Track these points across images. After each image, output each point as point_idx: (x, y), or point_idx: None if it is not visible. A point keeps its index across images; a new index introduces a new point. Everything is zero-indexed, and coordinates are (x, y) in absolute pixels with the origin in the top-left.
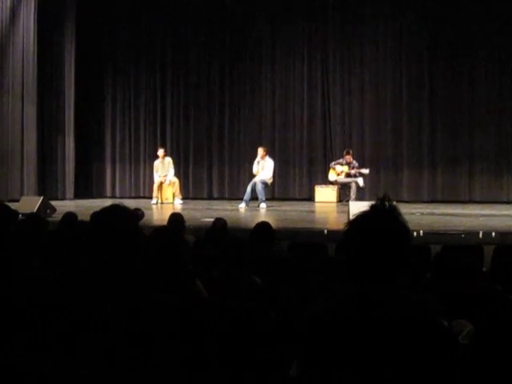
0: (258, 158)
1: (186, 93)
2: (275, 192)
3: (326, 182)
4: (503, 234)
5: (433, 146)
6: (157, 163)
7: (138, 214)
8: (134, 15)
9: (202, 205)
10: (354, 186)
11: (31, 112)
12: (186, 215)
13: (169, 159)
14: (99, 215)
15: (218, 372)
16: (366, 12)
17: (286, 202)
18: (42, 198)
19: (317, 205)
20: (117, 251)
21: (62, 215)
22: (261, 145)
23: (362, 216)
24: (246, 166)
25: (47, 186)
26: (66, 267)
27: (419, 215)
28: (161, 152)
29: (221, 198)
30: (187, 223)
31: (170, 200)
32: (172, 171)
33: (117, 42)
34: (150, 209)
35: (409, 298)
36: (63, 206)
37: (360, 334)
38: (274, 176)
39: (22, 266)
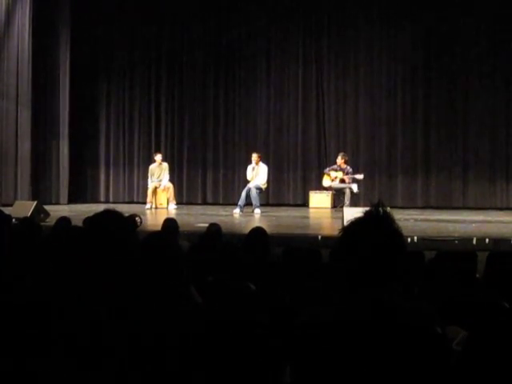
0: (253, 164)
1: (181, 97)
2: (269, 197)
3: (320, 187)
4: (497, 241)
5: (427, 152)
6: (153, 167)
7: (135, 220)
8: (129, 19)
9: (196, 210)
10: (348, 191)
11: (25, 116)
12: (180, 220)
13: (166, 165)
14: (92, 220)
15: (212, 379)
16: (361, 17)
17: (281, 208)
18: (35, 202)
19: (311, 210)
20: (110, 256)
21: (55, 220)
22: (255, 150)
23: (356, 222)
24: (240, 171)
25: (41, 190)
26: (59, 272)
27: (413, 221)
28: (159, 157)
29: (215, 203)
30: (181, 228)
31: (165, 205)
32: (167, 177)
33: (111, 45)
34: (144, 214)
35: (403, 305)
36: (57, 210)
37: (354, 341)
38: (268, 181)
39: (15, 270)
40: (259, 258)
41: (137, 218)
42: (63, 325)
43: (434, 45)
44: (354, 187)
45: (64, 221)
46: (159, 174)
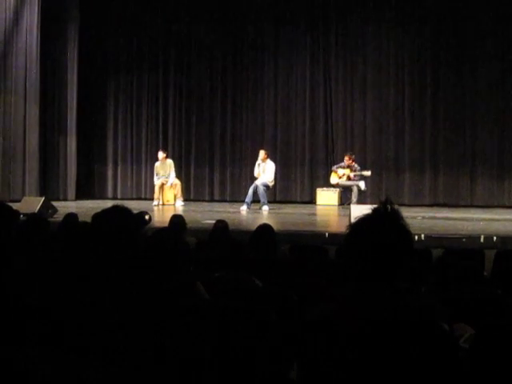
0: (259, 161)
1: (188, 95)
2: (277, 194)
3: (327, 184)
4: (504, 239)
5: (435, 149)
6: (157, 165)
7: (144, 217)
8: (137, 17)
9: (203, 207)
10: (355, 189)
11: (34, 112)
12: (187, 217)
13: (170, 161)
14: (100, 216)
15: (219, 374)
16: (368, 15)
17: (288, 205)
18: (43, 198)
19: (318, 208)
20: (117, 252)
21: (63, 216)
22: (262, 147)
23: (363, 219)
24: (247, 168)
25: (49, 186)
26: (66, 268)
27: (421, 219)
28: (161, 155)
29: (222, 200)
30: (188, 225)
31: (172, 202)
32: (173, 173)
33: (119, 43)
34: (151, 210)
35: (410, 302)
36: (64, 206)
37: (360, 337)
38: (275, 178)
39: (22, 266)
40: (266, 254)
41: (146, 216)
42: (69, 320)
43: (442, 42)
44: (362, 185)
45: (71, 217)
46: (165, 171)
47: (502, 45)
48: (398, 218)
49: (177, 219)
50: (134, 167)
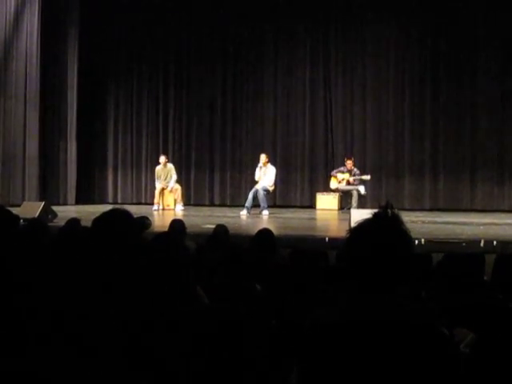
0: (261, 164)
1: (188, 99)
2: (277, 199)
3: (327, 189)
4: (505, 243)
5: (435, 154)
6: (158, 169)
7: (144, 222)
8: (138, 22)
9: (203, 211)
10: (355, 193)
11: (34, 117)
12: (187, 221)
13: (171, 166)
14: (100, 219)
15: (219, 379)
16: (368, 20)
17: (288, 209)
18: (43, 203)
19: (318, 212)
20: (118, 255)
21: (63, 221)
22: (262, 152)
23: (364, 224)
24: (247, 172)
25: (49, 191)
26: (67, 272)
27: (421, 223)
28: (162, 159)
29: (222, 204)
30: (188, 229)
31: (172, 206)
32: (174, 178)
33: (120, 47)
34: (152, 215)
35: (410, 307)
36: (65, 211)
37: (360, 343)
38: (275, 183)
39: (22, 270)
40: (266, 259)
41: (147, 220)
42: (69, 323)
43: (442, 46)
44: (362, 189)
45: (74, 222)
46: (165, 175)
47: (503, 50)
48: (398, 222)
49: (177, 224)
50: (134, 172)
